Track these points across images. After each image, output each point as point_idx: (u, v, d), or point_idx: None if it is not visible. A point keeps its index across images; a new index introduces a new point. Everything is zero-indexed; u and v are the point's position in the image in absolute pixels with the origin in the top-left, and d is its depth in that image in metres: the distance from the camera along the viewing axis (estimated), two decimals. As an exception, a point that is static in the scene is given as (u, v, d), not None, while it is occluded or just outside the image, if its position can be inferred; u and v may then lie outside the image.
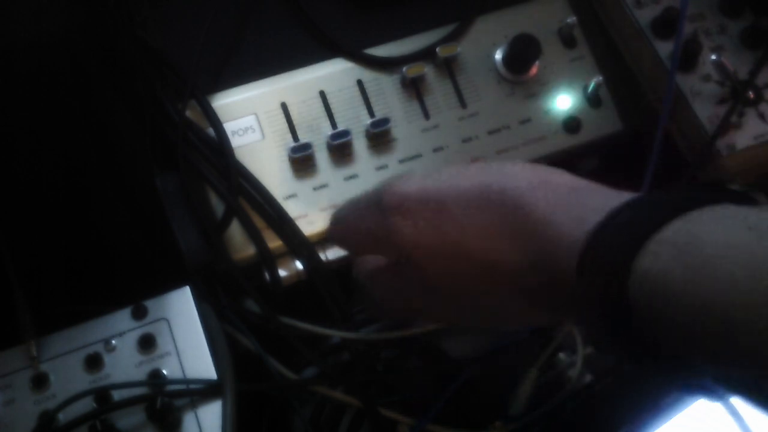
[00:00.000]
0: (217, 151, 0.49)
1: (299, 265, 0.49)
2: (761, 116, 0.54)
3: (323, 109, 0.52)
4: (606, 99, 0.56)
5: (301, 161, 0.50)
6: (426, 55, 0.54)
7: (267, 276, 0.49)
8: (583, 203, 0.32)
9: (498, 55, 0.55)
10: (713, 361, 0.28)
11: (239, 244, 0.49)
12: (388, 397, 0.50)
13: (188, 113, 0.49)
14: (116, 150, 0.55)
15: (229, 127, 0.50)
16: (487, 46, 0.55)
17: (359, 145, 0.52)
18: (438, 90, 0.54)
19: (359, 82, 0.53)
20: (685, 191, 0.31)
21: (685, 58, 0.54)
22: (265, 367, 0.47)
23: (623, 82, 0.57)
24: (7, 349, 0.43)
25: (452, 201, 0.35)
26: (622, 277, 0.28)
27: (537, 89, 0.55)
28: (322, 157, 0.51)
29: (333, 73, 0.53)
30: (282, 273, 0.49)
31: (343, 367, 0.52)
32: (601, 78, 0.54)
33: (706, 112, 0.53)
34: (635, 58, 0.57)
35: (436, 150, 0.53)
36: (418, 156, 0.52)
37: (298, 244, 0.49)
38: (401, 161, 0.52)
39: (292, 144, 0.50)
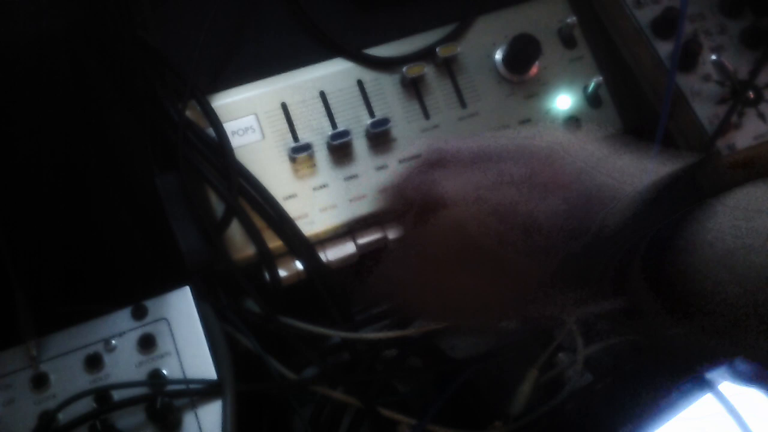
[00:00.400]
0: (217, 151, 0.49)
1: (299, 265, 0.49)
2: (761, 116, 0.54)
3: (323, 109, 0.52)
4: (606, 99, 0.56)
5: (301, 161, 0.50)
6: (426, 55, 0.54)
7: (267, 276, 0.49)
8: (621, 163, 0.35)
9: (498, 55, 0.55)
10: None
11: (239, 244, 0.49)
12: (388, 397, 0.50)
13: (188, 113, 0.49)
14: (116, 150, 0.55)
15: (229, 127, 0.50)
16: (487, 46, 0.55)
17: (359, 145, 0.52)
18: (438, 90, 0.54)
19: (359, 82, 0.53)
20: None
21: (685, 58, 0.54)
22: (265, 367, 0.47)
23: (623, 82, 0.57)
24: (7, 349, 0.43)
25: (489, 155, 0.37)
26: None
27: (537, 89, 0.55)
28: (322, 157, 0.51)
29: (333, 73, 0.53)
30: (282, 273, 0.49)
31: (343, 367, 0.52)
32: (601, 78, 0.54)
33: (706, 112, 0.54)
34: (635, 58, 0.57)
35: (436, 150, 0.53)
36: (418, 156, 0.52)
37: (298, 244, 0.49)
38: (401, 161, 0.52)
39: (292, 144, 0.50)
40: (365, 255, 0.52)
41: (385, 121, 0.52)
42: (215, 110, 0.49)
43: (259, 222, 0.49)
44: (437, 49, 0.53)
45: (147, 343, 0.43)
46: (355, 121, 0.52)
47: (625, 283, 0.35)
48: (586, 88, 0.55)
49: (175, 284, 0.45)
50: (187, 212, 0.48)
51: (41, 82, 0.53)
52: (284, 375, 0.47)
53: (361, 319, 0.54)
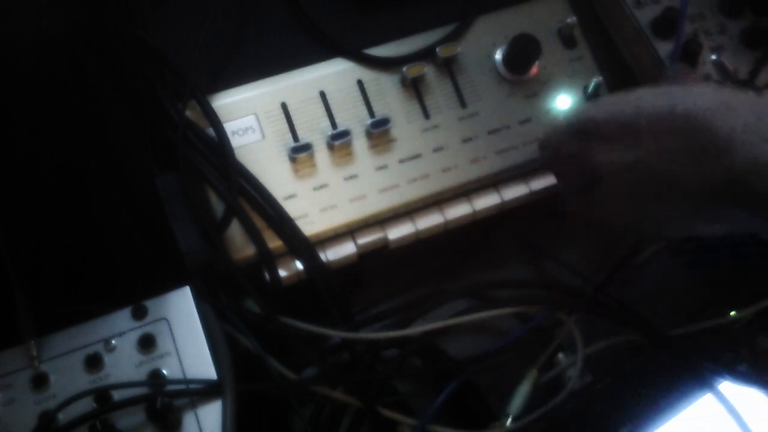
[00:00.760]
0: (217, 151, 0.49)
1: (299, 265, 0.49)
2: (761, 116, 0.54)
3: (323, 109, 0.52)
4: (606, 99, 0.56)
5: (301, 161, 0.50)
6: (426, 55, 0.54)
7: (267, 276, 0.49)
8: None
9: (498, 55, 0.55)
10: None
11: (239, 244, 0.49)
12: (388, 397, 0.50)
13: (188, 113, 0.49)
14: (116, 150, 0.55)
15: (229, 127, 0.50)
16: (487, 46, 0.55)
17: (359, 145, 0.52)
18: (438, 90, 0.54)
19: (359, 82, 0.53)
20: None
21: (685, 58, 0.54)
22: (265, 367, 0.47)
23: (623, 82, 0.57)
24: (7, 349, 0.43)
25: (641, 121, 0.38)
26: None
27: (537, 89, 0.55)
28: (322, 157, 0.51)
29: (333, 73, 0.53)
30: (282, 273, 0.49)
31: (343, 367, 0.52)
32: (601, 78, 0.54)
33: (706, 112, 0.53)
34: (635, 58, 0.57)
35: (436, 150, 0.53)
36: (418, 156, 0.52)
37: (298, 244, 0.49)
38: (401, 161, 0.52)
39: (292, 144, 0.50)
40: (365, 255, 0.52)
41: (385, 121, 0.52)
42: (215, 110, 0.49)
43: (259, 222, 0.49)
44: (437, 49, 0.53)
45: (147, 343, 0.43)
46: (355, 121, 0.52)
47: None
48: (586, 88, 0.55)
49: (175, 284, 0.45)
50: (187, 212, 0.48)
51: (41, 82, 0.53)
52: (284, 375, 0.47)
53: (361, 319, 0.54)
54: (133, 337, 0.43)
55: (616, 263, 0.52)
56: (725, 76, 0.55)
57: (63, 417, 0.40)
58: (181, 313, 0.44)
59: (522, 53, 0.53)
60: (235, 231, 0.49)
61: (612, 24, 0.58)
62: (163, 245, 0.50)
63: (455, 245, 0.58)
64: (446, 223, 0.52)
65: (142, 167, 0.50)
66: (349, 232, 0.51)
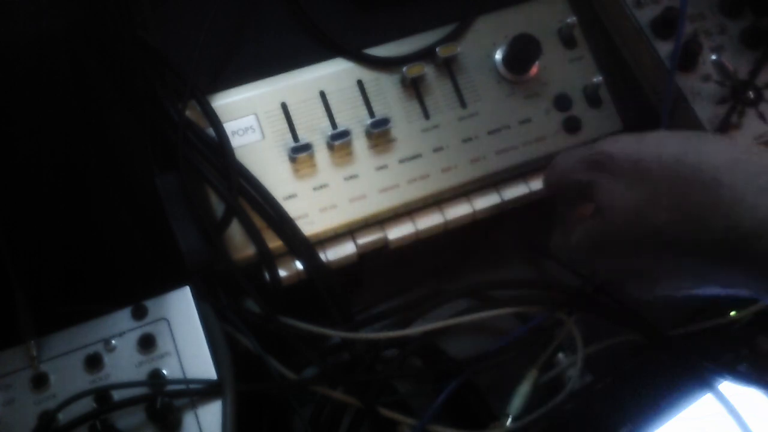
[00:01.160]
0: (217, 151, 0.49)
1: (299, 265, 0.49)
2: (761, 116, 0.54)
3: (323, 109, 0.52)
4: (606, 99, 0.56)
5: (301, 161, 0.50)
6: (426, 55, 0.54)
7: (267, 276, 0.49)
8: None
9: (498, 55, 0.55)
10: None
11: (239, 244, 0.49)
12: (388, 397, 0.50)
13: (188, 113, 0.49)
14: (116, 150, 0.55)
15: (229, 127, 0.50)
16: (487, 46, 0.55)
17: (359, 145, 0.52)
18: (438, 90, 0.54)
19: (359, 82, 0.53)
20: None
21: (685, 58, 0.54)
22: (265, 367, 0.47)
23: (623, 82, 0.57)
24: (7, 349, 0.43)
25: (650, 166, 0.38)
26: None
27: (537, 89, 0.55)
28: (322, 157, 0.51)
29: (333, 73, 0.53)
30: (282, 273, 0.49)
31: (343, 367, 0.52)
32: (601, 78, 0.54)
33: (706, 112, 0.54)
34: (635, 58, 0.57)
35: (436, 150, 0.53)
36: (418, 156, 0.52)
37: (298, 244, 0.49)
38: (401, 161, 0.52)
39: (292, 144, 0.50)
40: (365, 255, 0.52)
41: (385, 121, 0.52)
42: (215, 110, 0.49)
43: (259, 222, 0.49)
44: (437, 49, 0.53)
45: (147, 343, 0.43)
46: (355, 121, 0.52)
47: None
48: (586, 88, 0.55)
49: (175, 284, 0.45)
50: (187, 212, 0.48)
51: (41, 82, 0.53)
52: (284, 375, 0.47)
53: (361, 319, 0.54)
54: (133, 337, 0.43)
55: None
56: (725, 76, 0.55)
57: (63, 417, 0.41)
58: (181, 313, 0.44)
59: (522, 53, 0.53)
60: (235, 231, 0.49)
61: (612, 24, 0.58)
62: (163, 245, 0.50)
63: (455, 245, 0.58)
64: (446, 223, 0.52)
65: (142, 167, 0.50)
66: (349, 232, 0.51)
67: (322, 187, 0.51)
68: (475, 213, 0.53)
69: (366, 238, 0.51)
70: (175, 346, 0.43)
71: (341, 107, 0.52)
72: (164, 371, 0.42)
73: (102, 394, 0.41)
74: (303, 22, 0.54)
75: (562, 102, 0.55)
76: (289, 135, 0.51)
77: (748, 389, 0.50)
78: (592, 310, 0.53)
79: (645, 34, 0.55)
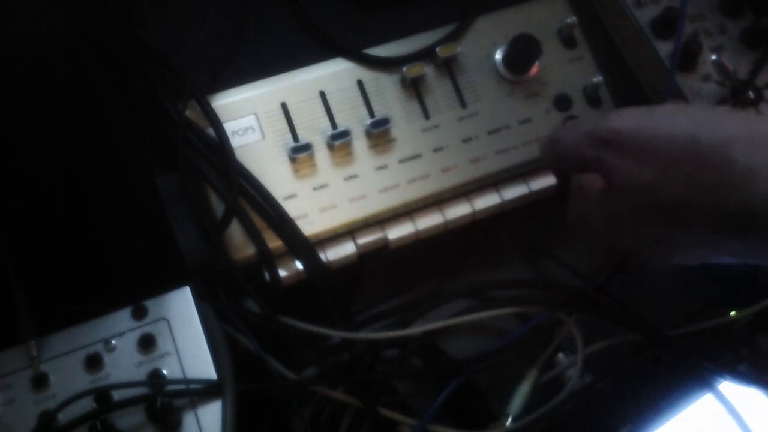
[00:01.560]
0: (217, 151, 0.49)
1: (299, 265, 0.49)
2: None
3: (323, 109, 0.52)
4: (606, 99, 0.56)
5: (301, 161, 0.50)
6: (426, 55, 0.54)
7: (267, 276, 0.49)
8: None
9: (498, 55, 0.55)
10: None
11: (239, 244, 0.49)
12: (388, 397, 0.50)
13: (188, 113, 0.49)
14: (116, 150, 0.55)
15: (229, 127, 0.50)
16: (487, 46, 0.55)
17: (359, 145, 0.52)
18: (438, 90, 0.54)
19: (359, 82, 0.53)
20: None
21: (685, 58, 0.54)
22: (265, 367, 0.47)
23: (623, 82, 0.57)
24: (7, 349, 0.43)
25: (660, 143, 0.38)
26: None
27: (537, 89, 0.55)
28: (322, 157, 0.51)
29: (333, 73, 0.53)
30: (282, 273, 0.49)
31: (343, 367, 0.52)
32: (601, 78, 0.54)
33: (706, 112, 0.53)
34: (635, 58, 0.57)
35: (436, 150, 0.53)
36: (418, 156, 0.52)
37: (298, 244, 0.49)
38: (401, 161, 0.52)
39: (292, 144, 0.50)
40: (365, 255, 0.52)
41: (385, 121, 0.52)
42: (215, 110, 0.49)
43: (259, 222, 0.49)
44: (437, 49, 0.53)
45: (147, 343, 0.43)
46: (355, 121, 0.52)
47: None
48: (586, 88, 0.55)
49: (175, 284, 0.45)
50: (187, 212, 0.48)
51: (41, 82, 0.53)
52: (284, 375, 0.47)
53: (361, 319, 0.54)
54: (133, 337, 0.43)
55: (616, 263, 0.52)
56: (725, 76, 0.55)
57: (63, 417, 0.41)
58: (181, 313, 0.44)
59: (522, 53, 0.53)
60: (235, 231, 0.49)
61: (612, 24, 0.58)
62: (163, 245, 0.50)
63: (455, 245, 0.58)
64: (446, 223, 0.52)
65: (142, 167, 0.50)
66: (349, 232, 0.51)
67: (322, 187, 0.51)
68: (475, 213, 0.53)
69: (366, 238, 0.51)
70: (175, 346, 0.43)
71: (341, 107, 0.52)
72: (164, 371, 0.42)
73: (102, 394, 0.41)
74: (303, 22, 0.54)
75: (562, 102, 0.55)
76: (289, 135, 0.51)
77: (748, 389, 0.50)
78: (592, 310, 0.53)
79: (645, 34, 0.55)
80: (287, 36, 0.54)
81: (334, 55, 0.54)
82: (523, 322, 0.53)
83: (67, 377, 0.42)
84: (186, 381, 0.42)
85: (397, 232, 0.52)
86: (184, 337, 0.43)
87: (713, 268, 0.56)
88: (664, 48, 0.55)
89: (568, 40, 0.56)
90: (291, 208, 0.49)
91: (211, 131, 0.49)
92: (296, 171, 0.51)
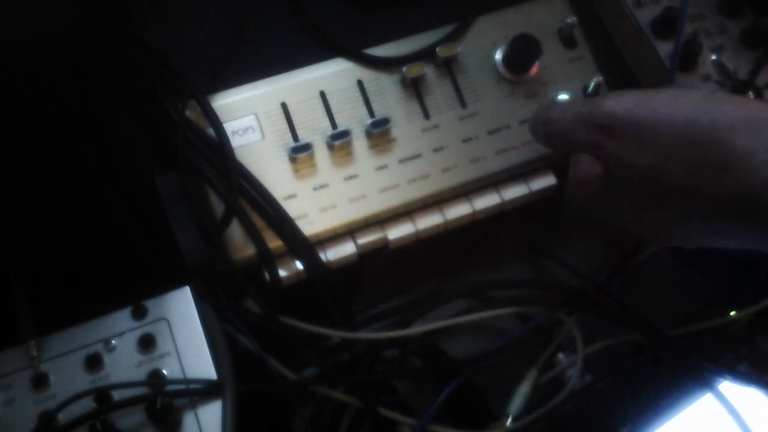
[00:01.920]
0: (217, 151, 0.49)
1: (299, 265, 0.49)
2: (761, 116, 0.54)
3: (323, 109, 0.52)
4: (606, 99, 0.56)
5: (301, 161, 0.50)
6: (426, 55, 0.54)
7: (267, 276, 0.49)
8: None
9: (498, 55, 0.55)
10: None
11: (239, 244, 0.49)
12: (388, 397, 0.50)
13: (188, 113, 0.49)
14: (116, 150, 0.55)
15: (229, 127, 0.50)
16: (487, 46, 0.55)
17: (359, 145, 0.52)
18: (438, 90, 0.54)
19: (359, 82, 0.53)
20: None
21: (685, 58, 0.54)
22: (265, 367, 0.47)
23: (623, 82, 0.57)
24: (7, 349, 0.43)
25: (660, 129, 0.37)
26: None
27: (537, 89, 0.55)
28: (322, 157, 0.51)
29: (333, 73, 0.53)
30: (282, 273, 0.49)
31: (343, 367, 0.52)
32: (601, 78, 0.54)
33: (706, 112, 0.53)
34: (635, 58, 0.57)
35: (436, 150, 0.53)
36: (418, 156, 0.52)
37: (298, 244, 0.49)
38: (401, 161, 0.52)
39: (292, 144, 0.50)
40: (365, 255, 0.52)
41: (385, 121, 0.52)
42: (215, 110, 0.49)
43: (259, 222, 0.49)
44: (437, 49, 0.53)
45: (147, 343, 0.43)
46: (355, 121, 0.52)
47: None
48: (586, 88, 0.55)
49: (175, 284, 0.45)
50: (187, 212, 0.48)
51: (41, 82, 0.53)
52: (284, 375, 0.47)
53: (361, 319, 0.54)
54: (133, 337, 0.43)
55: (616, 263, 0.52)
56: (725, 76, 0.55)
57: (63, 417, 0.41)
58: (181, 313, 0.44)
59: (522, 53, 0.53)
60: (235, 231, 0.49)
61: (612, 24, 0.58)
62: (163, 245, 0.50)
63: (455, 245, 0.58)
64: (446, 223, 0.52)
65: (142, 167, 0.50)
66: (349, 232, 0.51)
67: (322, 187, 0.51)
68: (475, 213, 0.53)
69: (366, 238, 0.51)
70: (175, 346, 0.43)
71: (341, 107, 0.52)
72: (164, 371, 0.42)
73: (102, 394, 0.41)
74: (303, 22, 0.54)
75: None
76: (289, 135, 0.51)
77: (748, 389, 0.50)
78: (592, 310, 0.53)
79: (645, 34, 0.55)
80: (287, 36, 0.54)
81: (334, 55, 0.54)
82: (523, 322, 0.53)
83: (67, 377, 0.42)
84: (186, 381, 0.42)
85: (397, 232, 0.52)
86: (184, 337, 0.43)
87: (714, 269, 0.56)
88: (664, 48, 0.55)
89: (568, 40, 0.56)
90: (291, 208, 0.49)
91: (211, 131, 0.49)
92: (296, 171, 0.51)
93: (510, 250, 0.60)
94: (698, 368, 0.51)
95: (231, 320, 0.47)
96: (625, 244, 0.53)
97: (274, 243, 0.49)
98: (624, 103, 0.39)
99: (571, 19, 0.55)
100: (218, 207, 0.49)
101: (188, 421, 0.41)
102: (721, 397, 0.50)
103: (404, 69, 0.52)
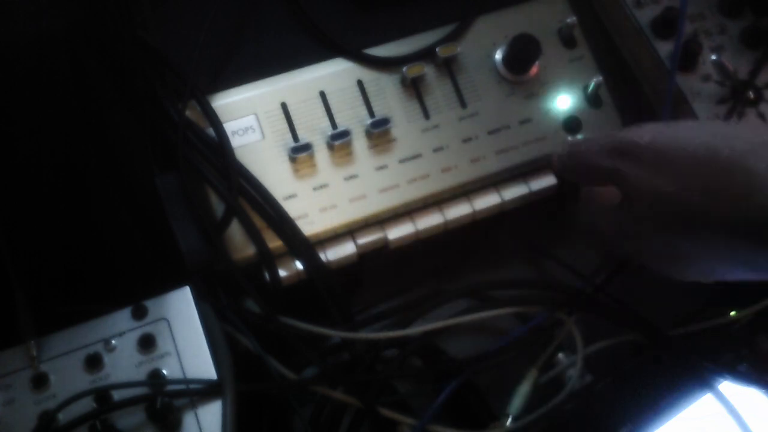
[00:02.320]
0: (217, 151, 0.49)
1: (299, 265, 0.49)
2: (761, 116, 0.54)
3: (323, 109, 0.52)
4: (606, 99, 0.56)
5: (301, 161, 0.50)
6: (426, 55, 0.54)
7: (267, 276, 0.49)
8: None
9: (498, 55, 0.55)
10: None
11: (239, 244, 0.49)
12: (388, 397, 0.50)
13: (188, 113, 0.49)
14: (116, 150, 0.55)
15: (229, 127, 0.50)
16: (487, 46, 0.55)
17: (359, 145, 0.52)
18: (438, 90, 0.54)
19: (359, 82, 0.53)
20: None
21: (685, 58, 0.54)
22: (265, 367, 0.47)
23: (623, 82, 0.57)
24: (7, 349, 0.43)
25: (681, 156, 0.38)
26: None
27: (537, 89, 0.55)
28: (322, 157, 0.51)
29: (333, 73, 0.53)
30: (282, 273, 0.49)
31: (343, 367, 0.52)
32: (601, 78, 0.54)
33: (706, 112, 0.54)
34: (635, 58, 0.57)
35: (436, 150, 0.53)
36: (418, 156, 0.52)
37: (298, 244, 0.49)
38: (401, 161, 0.52)
39: (292, 144, 0.50)
40: (365, 255, 0.52)
41: (385, 121, 0.52)
42: (215, 110, 0.49)
43: (259, 222, 0.49)
44: (437, 49, 0.53)
45: (147, 343, 0.43)
46: (355, 121, 0.52)
47: None
48: (586, 88, 0.55)
49: (175, 284, 0.45)
50: (187, 212, 0.48)
51: (41, 82, 0.53)
52: (284, 375, 0.47)
53: (361, 319, 0.54)
54: (133, 337, 0.43)
55: (616, 263, 0.52)
56: (725, 76, 0.55)
57: (63, 417, 0.41)
58: (181, 313, 0.44)
59: (522, 53, 0.53)
60: (235, 231, 0.49)
61: (612, 24, 0.58)
62: (163, 245, 0.50)
63: (455, 245, 0.58)
64: (446, 223, 0.52)
65: (142, 167, 0.50)
66: (349, 232, 0.51)
67: (322, 187, 0.51)
68: (475, 213, 0.53)
69: (366, 238, 0.51)
70: (175, 346, 0.43)
71: (341, 107, 0.52)
72: (164, 371, 0.42)
73: (102, 394, 0.41)
74: (303, 22, 0.54)
75: (562, 102, 0.55)
76: (289, 135, 0.51)
77: (748, 389, 0.50)
78: (592, 310, 0.53)
79: (645, 34, 0.55)
80: (287, 36, 0.54)
81: (334, 55, 0.54)
82: (523, 322, 0.53)
83: (67, 377, 0.42)
84: (186, 381, 0.42)
85: (397, 232, 0.52)
86: (184, 337, 0.43)
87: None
88: (664, 48, 0.55)
89: (568, 40, 0.56)
90: (291, 208, 0.49)
91: (211, 131, 0.49)
92: (296, 171, 0.51)
93: (510, 250, 0.60)
94: (698, 368, 0.51)
95: (231, 320, 0.47)
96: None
97: (274, 243, 0.49)
98: (646, 132, 0.41)
99: (571, 19, 0.55)
100: (218, 207, 0.49)
101: (188, 421, 0.41)
102: (721, 397, 0.50)
103: (404, 69, 0.52)
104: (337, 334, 0.49)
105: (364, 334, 0.50)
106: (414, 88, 0.53)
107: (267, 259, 0.49)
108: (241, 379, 0.43)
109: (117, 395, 0.41)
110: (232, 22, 0.54)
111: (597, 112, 0.55)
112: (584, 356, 0.51)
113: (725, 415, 0.50)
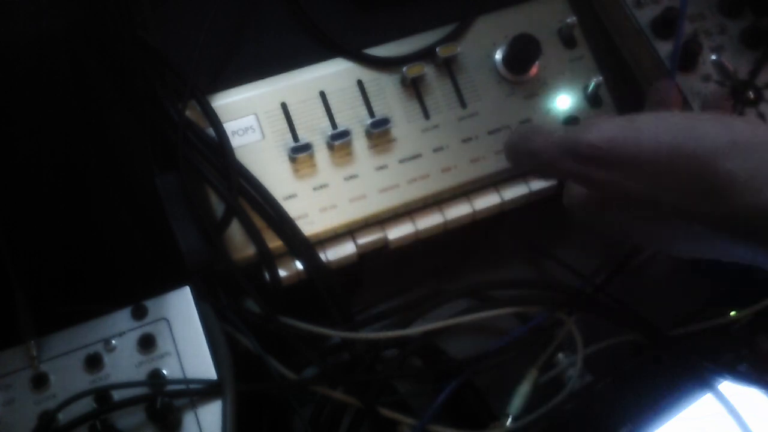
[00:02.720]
0: (217, 151, 0.49)
1: (299, 265, 0.49)
2: (761, 116, 0.54)
3: (323, 109, 0.52)
4: (606, 99, 0.56)
5: (301, 161, 0.50)
6: (426, 55, 0.54)
7: (267, 276, 0.49)
8: None
9: (498, 55, 0.55)
10: None
11: (239, 244, 0.49)
12: (388, 397, 0.50)
13: (188, 113, 0.49)
14: (116, 150, 0.55)
15: (229, 127, 0.50)
16: (487, 46, 0.55)
17: (359, 145, 0.52)
18: (438, 90, 0.54)
19: (359, 82, 0.53)
20: None
21: (685, 58, 0.54)
22: (265, 367, 0.47)
23: (623, 82, 0.57)
24: (7, 349, 0.43)
25: (645, 158, 0.37)
26: None
27: (537, 89, 0.55)
28: (322, 157, 0.51)
29: (333, 73, 0.53)
30: (282, 273, 0.49)
31: (343, 367, 0.52)
32: (601, 78, 0.54)
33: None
34: (635, 58, 0.57)
35: (436, 150, 0.53)
36: (418, 156, 0.52)
37: (298, 244, 0.49)
38: (401, 161, 0.52)
39: (292, 144, 0.50)
40: (365, 255, 0.52)
41: (385, 121, 0.52)
42: (215, 110, 0.49)
43: (259, 222, 0.49)
44: (437, 49, 0.53)
45: (147, 343, 0.43)
46: (355, 121, 0.52)
47: None
48: (586, 88, 0.55)
49: (175, 284, 0.45)
50: (187, 212, 0.48)
51: (41, 82, 0.53)
52: (284, 375, 0.47)
53: (361, 319, 0.54)
54: (133, 337, 0.43)
55: (616, 263, 0.52)
56: (725, 76, 0.55)
57: (63, 417, 0.41)
58: (181, 313, 0.44)
59: (522, 53, 0.53)
60: (235, 231, 0.49)
61: (612, 24, 0.58)
62: (163, 245, 0.50)
63: (455, 245, 0.58)
64: (446, 223, 0.52)
65: (142, 167, 0.50)
66: (349, 232, 0.51)
67: (322, 187, 0.51)
68: (475, 213, 0.53)
69: (366, 238, 0.51)
70: (175, 346, 0.43)
71: (341, 107, 0.52)
72: (164, 371, 0.42)
73: (102, 394, 0.41)
74: (303, 22, 0.54)
75: (562, 102, 0.55)
76: (289, 135, 0.51)
77: (748, 389, 0.50)
78: (592, 310, 0.53)
79: (645, 34, 0.55)
80: (287, 36, 0.54)
81: (334, 55, 0.54)
82: (523, 322, 0.53)
83: (67, 377, 0.42)
84: (186, 381, 0.42)
85: (397, 232, 0.52)
86: (184, 337, 0.43)
87: (714, 269, 0.56)
88: (664, 48, 0.55)
89: (568, 40, 0.56)
90: (291, 208, 0.49)
91: (211, 131, 0.49)
92: (296, 171, 0.51)
93: (510, 250, 0.60)
94: (698, 368, 0.51)
95: (231, 320, 0.47)
96: (625, 245, 0.53)
97: (274, 243, 0.49)
98: (606, 133, 0.38)
99: (571, 19, 0.55)
100: (218, 207, 0.49)
101: (188, 421, 0.41)
102: (721, 397, 0.50)
103: (404, 69, 0.52)
104: (337, 334, 0.49)
105: (364, 334, 0.50)
106: (414, 88, 0.53)
107: (267, 259, 0.49)
108: (241, 379, 0.43)
109: (117, 395, 0.41)
110: (232, 22, 0.54)
111: (597, 112, 0.55)
112: (584, 356, 0.51)
113: (725, 415, 0.50)
